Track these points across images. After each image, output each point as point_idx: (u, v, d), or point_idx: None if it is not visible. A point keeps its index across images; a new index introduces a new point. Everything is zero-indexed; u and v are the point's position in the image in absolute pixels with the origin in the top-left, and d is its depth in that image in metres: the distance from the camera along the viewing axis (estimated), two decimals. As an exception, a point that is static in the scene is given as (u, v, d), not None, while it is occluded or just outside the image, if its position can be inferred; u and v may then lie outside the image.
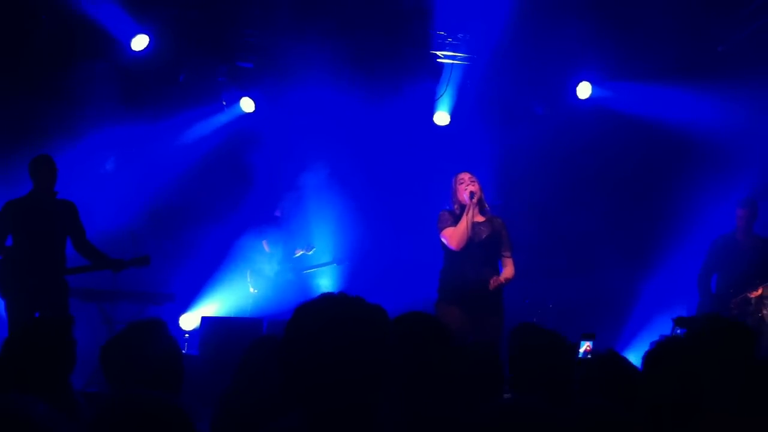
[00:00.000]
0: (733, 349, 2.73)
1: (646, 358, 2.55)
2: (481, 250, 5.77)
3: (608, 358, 2.89)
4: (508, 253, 5.90)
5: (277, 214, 9.10)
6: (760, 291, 6.66)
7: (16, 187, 6.71)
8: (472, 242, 5.76)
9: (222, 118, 9.15)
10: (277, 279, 8.75)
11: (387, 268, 8.84)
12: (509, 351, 3.31)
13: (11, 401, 1.47)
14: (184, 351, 7.92)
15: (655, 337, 2.72)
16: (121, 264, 6.58)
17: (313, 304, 1.79)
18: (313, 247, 8.83)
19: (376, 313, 1.81)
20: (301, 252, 8.80)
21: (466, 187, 5.80)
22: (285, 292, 8.50)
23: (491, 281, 5.64)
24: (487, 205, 5.94)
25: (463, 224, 5.71)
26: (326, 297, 1.81)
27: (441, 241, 5.90)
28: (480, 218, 5.88)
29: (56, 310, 6.12)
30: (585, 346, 5.29)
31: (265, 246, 8.93)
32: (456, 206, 5.88)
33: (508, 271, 5.85)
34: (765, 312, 6.60)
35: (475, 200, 5.74)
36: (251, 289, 8.84)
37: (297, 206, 9.16)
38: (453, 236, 5.74)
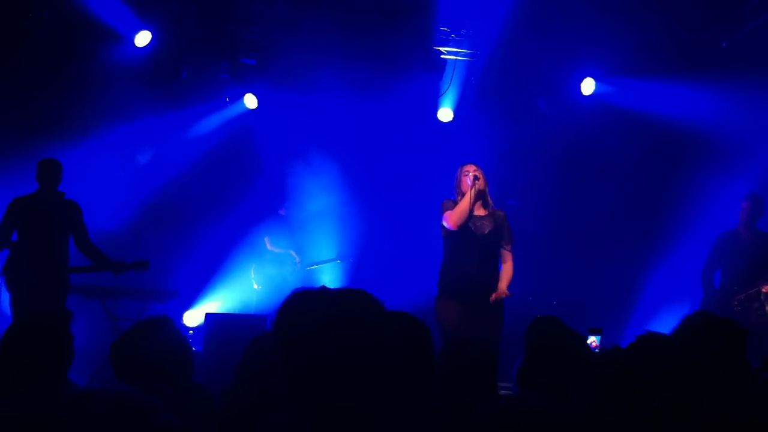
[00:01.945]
0: (722, 347, 2.70)
1: (633, 350, 2.52)
2: (483, 245, 5.74)
3: (611, 355, 2.87)
4: (508, 247, 5.86)
5: (282, 212, 9.10)
6: None
7: (19, 184, 6.73)
8: (474, 237, 5.72)
9: (225, 115, 9.16)
10: (281, 276, 8.75)
11: (389, 265, 8.83)
12: (526, 343, 3.27)
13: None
14: (189, 347, 7.92)
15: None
16: (122, 266, 6.66)
17: (311, 301, 1.76)
18: (298, 259, 8.81)
19: (377, 312, 1.78)
20: (298, 259, 8.80)
21: (470, 175, 5.77)
22: (288, 288, 8.48)
23: (493, 295, 5.62)
24: (490, 199, 5.90)
25: (464, 203, 5.67)
26: (325, 295, 1.77)
27: (442, 229, 5.83)
28: (482, 212, 5.83)
29: (55, 307, 6.14)
30: (592, 340, 5.27)
31: (267, 243, 8.92)
32: (459, 197, 5.83)
33: (506, 272, 5.81)
34: (770, 309, 6.55)
35: (476, 185, 5.70)
36: (255, 286, 8.85)
37: (301, 205, 9.15)
38: (452, 216, 5.70)
